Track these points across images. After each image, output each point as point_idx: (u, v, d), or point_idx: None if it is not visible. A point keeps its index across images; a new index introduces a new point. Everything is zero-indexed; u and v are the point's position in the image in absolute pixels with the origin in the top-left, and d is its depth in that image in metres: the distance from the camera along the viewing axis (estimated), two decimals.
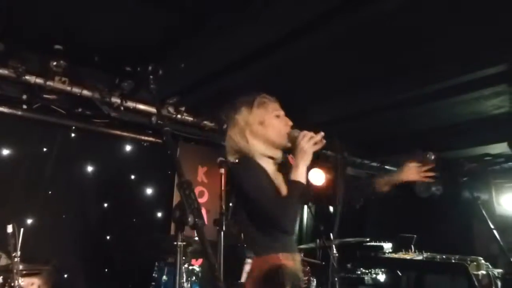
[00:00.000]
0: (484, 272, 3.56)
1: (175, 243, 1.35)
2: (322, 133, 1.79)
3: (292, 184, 1.78)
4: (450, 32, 2.85)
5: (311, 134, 1.78)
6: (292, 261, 1.84)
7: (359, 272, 4.34)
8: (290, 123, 1.91)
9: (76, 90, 3.57)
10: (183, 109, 4.23)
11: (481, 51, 2.98)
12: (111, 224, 4.37)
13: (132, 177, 4.63)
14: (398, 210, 6.46)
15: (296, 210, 1.81)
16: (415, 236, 4.53)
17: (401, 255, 4.37)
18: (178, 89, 4.00)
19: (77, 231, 4.14)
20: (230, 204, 5.50)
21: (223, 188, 3.48)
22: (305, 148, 1.76)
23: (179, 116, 4.24)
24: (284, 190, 1.81)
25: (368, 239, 4.56)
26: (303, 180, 1.79)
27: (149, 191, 4.69)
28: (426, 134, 4.59)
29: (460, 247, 4.52)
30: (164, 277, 3.67)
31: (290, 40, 2.91)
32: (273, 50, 3.11)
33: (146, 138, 4.57)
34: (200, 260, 4.71)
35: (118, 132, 4.37)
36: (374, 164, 5.67)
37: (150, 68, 1.53)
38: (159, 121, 1.46)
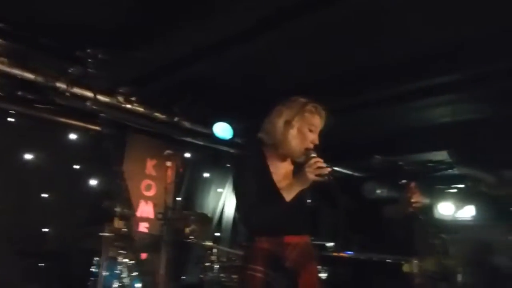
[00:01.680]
0: (416, 271, 3.73)
1: (101, 234, 1.29)
2: (330, 169, 1.84)
3: (277, 199, 1.88)
4: (403, 39, 2.94)
5: (321, 163, 1.82)
6: (276, 244, 1.90)
7: None
8: (317, 142, 1.95)
9: (16, 72, 3.34)
10: (134, 99, 4.09)
11: (432, 60, 3.09)
12: (51, 216, 4.15)
13: (76, 167, 4.42)
14: (347, 211, 6.63)
15: (266, 219, 1.89)
16: (358, 236, 4.67)
17: (341, 254, 4.50)
18: (131, 79, 3.88)
19: (13, 223, 3.89)
20: (179, 198, 5.43)
21: (169, 181, 3.44)
22: (308, 174, 1.81)
23: (129, 105, 4.10)
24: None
25: (312, 238, 4.62)
26: (288, 199, 1.87)
27: (93, 182, 4.50)
28: (374, 138, 4.74)
29: (402, 247, 4.70)
30: (104, 272, 3.54)
31: (250, 33, 2.87)
32: (231, 44, 3.07)
33: (93, 127, 4.38)
34: (144, 255, 4.61)
35: (63, 120, 4.16)
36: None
37: (88, 51, 1.44)
38: (94, 107, 1.38)
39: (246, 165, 1.96)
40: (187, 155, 5.35)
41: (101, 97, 3.90)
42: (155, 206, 4.92)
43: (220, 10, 2.65)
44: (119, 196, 1.15)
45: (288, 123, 1.93)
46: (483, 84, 3.26)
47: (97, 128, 4.46)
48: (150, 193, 5.01)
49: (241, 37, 2.86)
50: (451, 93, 3.49)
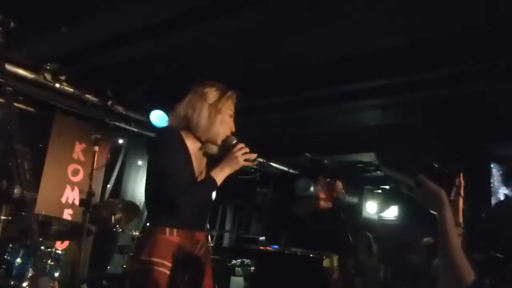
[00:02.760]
0: (336, 267, 3.92)
1: None
2: (256, 154, 1.86)
3: (209, 179, 1.82)
4: (332, 40, 3.02)
5: (246, 149, 1.84)
6: (187, 239, 1.81)
7: (231, 263, 4.45)
8: (233, 129, 1.94)
9: None
10: (63, 78, 3.85)
11: (361, 65, 3.21)
12: None
13: None
14: (279, 208, 6.80)
15: (199, 201, 1.84)
16: (287, 231, 4.79)
17: (267, 248, 4.60)
18: (59, 55, 3.64)
19: None
20: (108, 186, 5.21)
21: (95, 167, 3.28)
22: (239, 159, 1.82)
23: (57, 85, 3.85)
24: (201, 173, 1.89)
25: (243, 232, 4.70)
26: (219, 183, 1.83)
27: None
28: (305, 137, 4.88)
29: (328, 244, 4.89)
30: (18, 260, 3.32)
31: (183, 19, 2.81)
32: (167, 27, 2.98)
33: (15, 104, 4.07)
34: (66, 243, 4.39)
35: None
36: (261, 159, 5.84)
37: None
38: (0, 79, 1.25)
39: (174, 141, 1.84)
40: (120, 141, 5.16)
41: (26, 73, 3.64)
42: (81, 192, 4.69)
43: None
44: (19, 177, 1.06)
45: (213, 108, 1.87)
46: (409, 91, 3.45)
47: (21, 106, 4.18)
48: (77, 178, 4.77)
49: (174, 23, 2.79)
50: (379, 98, 3.65)
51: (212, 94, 1.90)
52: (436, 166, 1.40)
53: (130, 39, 3.16)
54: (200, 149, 1.92)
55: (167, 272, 1.71)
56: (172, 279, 1.72)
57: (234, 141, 1.87)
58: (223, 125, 1.89)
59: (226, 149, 1.87)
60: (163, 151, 1.81)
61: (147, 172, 1.95)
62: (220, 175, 1.83)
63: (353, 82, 3.40)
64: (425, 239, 4.51)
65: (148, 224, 5.47)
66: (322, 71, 3.33)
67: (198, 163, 1.90)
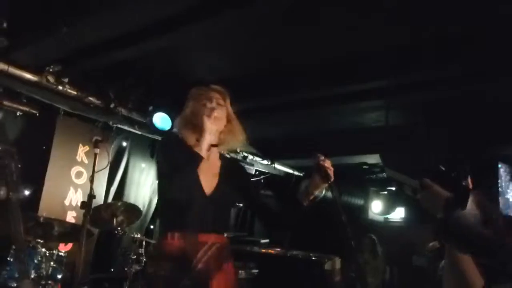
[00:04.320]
0: (338, 269, 3.88)
1: None
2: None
3: None
4: (334, 45, 3.00)
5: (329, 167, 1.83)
6: (188, 241, 1.80)
7: (235, 265, 4.41)
8: (216, 114, 1.91)
9: None
10: (66, 80, 3.85)
11: (362, 66, 3.18)
12: None
13: None
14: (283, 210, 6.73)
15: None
16: (290, 233, 4.75)
17: (269, 250, 4.57)
18: (62, 57, 3.64)
19: None
20: (112, 188, 5.21)
21: (96, 169, 3.27)
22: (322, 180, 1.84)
23: (60, 87, 3.86)
24: (209, 173, 1.90)
25: (246, 234, 4.67)
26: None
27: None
28: (310, 138, 4.84)
29: (332, 247, 4.85)
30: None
31: (185, 18, 2.79)
32: (167, 27, 2.97)
33: (19, 107, 4.08)
34: (69, 245, 4.39)
35: None
36: (265, 162, 5.82)
37: None
38: None
39: (161, 154, 1.90)
40: (124, 143, 5.16)
41: (29, 75, 3.65)
42: (84, 194, 4.69)
43: None
44: (5, 177, 1.05)
45: (194, 103, 1.97)
46: (413, 91, 3.41)
47: (25, 108, 4.17)
48: (81, 180, 4.77)
49: (175, 22, 2.77)
50: (383, 98, 3.61)
51: (193, 92, 1.99)
52: (443, 169, 1.35)
53: (131, 40, 3.14)
54: (208, 149, 1.94)
55: (170, 275, 1.74)
56: (171, 283, 1.73)
57: (320, 159, 1.85)
58: (196, 117, 1.91)
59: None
60: (158, 158, 1.93)
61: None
62: (306, 199, 1.90)
63: (357, 82, 3.37)
64: (431, 244, 4.45)
65: (151, 226, 5.47)
66: (325, 72, 3.29)
67: (206, 163, 1.91)
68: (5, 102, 4.03)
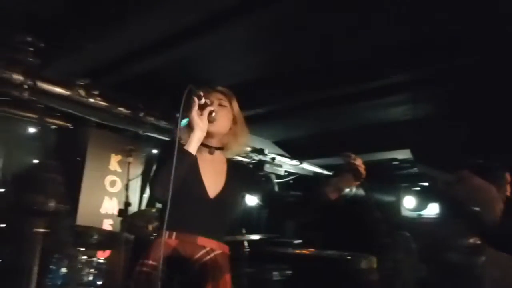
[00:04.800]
0: (373, 268, 3.82)
1: (35, 230, 1.25)
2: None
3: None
4: (357, 40, 2.97)
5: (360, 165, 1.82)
6: (186, 244, 1.76)
7: (268, 267, 4.43)
8: (214, 115, 1.82)
9: None
10: (96, 92, 3.98)
11: (386, 60, 3.14)
12: (7, 212, 4.02)
13: (35, 161, 4.30)
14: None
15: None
16: (321, 233, 4.73)
17: (302, 251, 4.55)
18: (90, 71, 3.77)
19: None
20: (145, 195, 5.34)
21: (130, 177, 3.38)
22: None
23: (91, 100, 3.99)
24: (211, 177, 1.87)
25: (278, 235, 4.68)
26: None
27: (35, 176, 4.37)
28: (338, 136, 4.81)
29: (365, 245, 4.80)
30: (63, 269, 3.46)
31: (209, 26, 2.84)
32: (191, 36, 3.02)
33: (53, 120, 4.25)
34: (107, 252, 4.53)
35: (21, 113, 4.03)
36: (293, 162, 5.82)
37: (29, 39, 1.39)
38: (31, 97, 1.33)
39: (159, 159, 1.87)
40: (154, 151, 5.27)
41: (61, 90, 3.79)
42: (119, 202, 4.83)
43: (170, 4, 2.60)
44: (53, 190, 1.11)
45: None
46: (440, 82, 3.33)
47: (58, 122, 4.36)
48: (115, 189, 4.92)
49: (198, 30, 2.83)
50: (409, 91, 3.55)
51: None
52: (481, 161, 1.31)
53: (155, 50, 3.23)
54: (211, 153, 1.93)
55: (160, 274, 1.63)
56: (161, 281, 1.63)
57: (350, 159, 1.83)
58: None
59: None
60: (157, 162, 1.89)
61: None
62: (333, 193, 1.84)
63: (381, 77, 3.33)
64: (471, 240, 4.32)
65: None
66: (349, 69, 3.27)
67: (211, 165, 1.91)
68: (39, 117, 4.21)
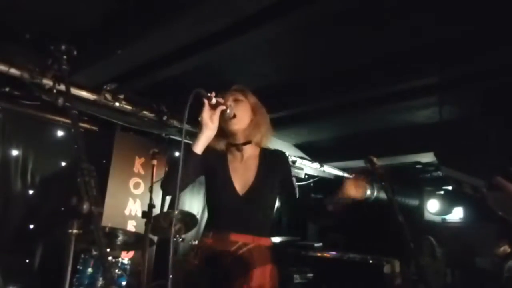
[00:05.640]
0: (398, 272, 3.77)
1: (70, 231, 1.29)
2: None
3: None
4: (384, 43, 2.96)
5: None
6: (220, 241, 1.84)
7: (289, 270, 4.43)
8: (229, 112, 1.87)
9: (2, 68, 3.34)
10: (122, 96, 4.08)
11: (412, 63, 3.11)
12: (36, 213, 4.15)
13: (63, 164, 4.42)
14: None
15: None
16: (343, 236, 4.70)
17: (324, 254, 4.53)
18: (117, 76, 3.86)
19: None
20: (167, 197, 5.40)
21: (154, 179, 3.43)
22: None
23: (117, 104, 4.09)
24: (239, 173, 1.92)
25: (299, 238, 4.67)
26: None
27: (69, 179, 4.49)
28: (360, 139, 4.77)
29: (388, 249, 4.75)
30: (89, 269, 3.54)
31: (232, 32, 2.88)
32: (215, 41, 3.07)
33: (81, 124, 4.37)
34: (131, 253, 4.61)
35: (50, 116, 4.16)
36: (314, 165, 5.80)
37: (63, 47, 1.45)
38: (66, 103, 1.39)
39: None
40: (177, 153, 5.34)
41: (88, 95, 3.90)
42: (143, 204, 4.92)
43: (195, 9, 2.64)
44: (87, 193, 1.15)
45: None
46: (465, 83, 3.28)
47: (85, 125, 4.48)
48: (139, 191, 5.00)
49: (223, 35, 2.86)
50: (435, 93, 3.50)
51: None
52: None
53: (179, 56, 3.28)
54: (240, 150, 1.97)
55: (199, 273, 1.81)
56: (200, 279, 1.79)
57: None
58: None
59: None
60: None
61: None
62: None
63: (407, 80, 3.29)
64: (502, 248, 4.23)
65: None
66: (374, 72, 3.26)
67: (240, 163, 1.97)
68: (67, 120, 4.33)
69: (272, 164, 2.00)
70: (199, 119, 1.83)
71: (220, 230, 1.87)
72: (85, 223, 2.54)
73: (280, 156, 2.05)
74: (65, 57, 1.46)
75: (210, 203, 1.97)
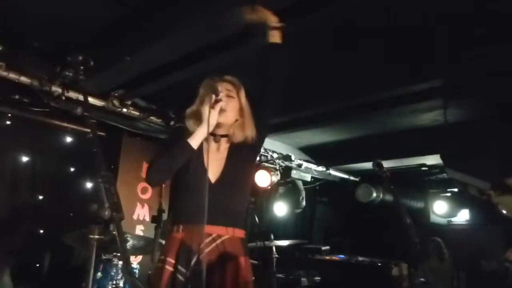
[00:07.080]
0: (405, 275, 3.77)
1: (90, 236, 1.33)
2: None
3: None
4: (387, 46, 2.98)
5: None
6: (192, 233, 1.77)
7: (296, 273, 4.45)
8: (222, 106, 1.87)
9: (13, 76, 3.40)
10: (129, 102, 4.13)
11: (416, 66, 3.13)
12: (45, 218, 4.19)
13: (72, 169, 4.47)
14: (341, 214, 6.69)
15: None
16: (349, 239, 4.71)
17: (332, 257, 4.54)
18: (124, 82, 3.91)
19: (7, 223, 3.94)
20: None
21: (163, 184, 3.47)
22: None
23: (124, 110, 4.14)
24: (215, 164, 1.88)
25: (306, 241, 4.68)
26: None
27: (89, 184, 4.55)
28: (365, 142, 4.79)
29: (395, 252, 4.75)
30: (99, 274, 3.57)
31: (239, 38, 2.91)
32: (223, 48, 3.10)
33: (88, 130, 4.40)
34: (139, 257, 4.64)
35: (58, 123, 4.21)
36: (320, 168, 5.82)
37: (80, 58, 1.48)
38: (85, 113, 1.43)
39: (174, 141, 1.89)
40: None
41: (96, 101, 3.95)
42: (150, 209, 4.96)
43: (201, 17, 2.67)
44: (107, 199, 1.19)
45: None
46: (471, 85, 3.30)
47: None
48: (146, 196, 5.04)
49: (229, 42, 2.90)
50: (441, 97, 3.53)
51: (204, 82, 2.06)
52: None
53: (186, 62, 3.33)
54: (217, 141, 1.94)
55: (171, 269, 1.73)
56: (175, 275, 1.72)
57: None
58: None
59: None
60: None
61: None
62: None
63: (412, 83, 3.32)
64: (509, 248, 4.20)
65: None
66: (378, 76, 3.28)
67: (215, 153, 1.93)
68: (75, 126, 4.39)
69: (238, 149, 1.97)
70: (201, 111, 1.86)
71: (191, 222, 1.79)
72: (105, 229, 2.56)
73: (243, 142, 1.98)
74: (82, 67, 1.50)
75: (180, 192, 1.87)
